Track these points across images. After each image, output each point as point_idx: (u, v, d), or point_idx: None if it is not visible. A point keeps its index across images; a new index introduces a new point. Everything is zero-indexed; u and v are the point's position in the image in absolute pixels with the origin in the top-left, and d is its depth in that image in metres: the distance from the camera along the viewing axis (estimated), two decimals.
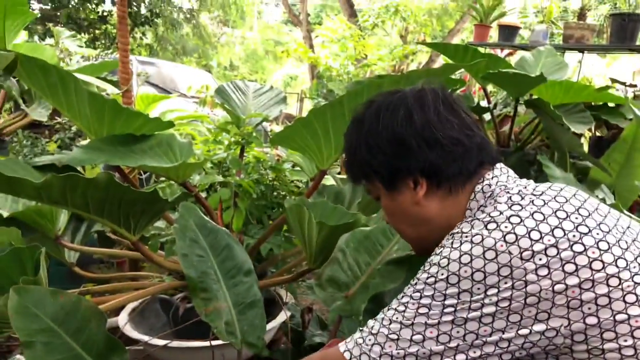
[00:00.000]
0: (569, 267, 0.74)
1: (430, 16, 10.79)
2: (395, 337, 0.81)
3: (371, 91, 1.45)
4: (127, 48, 2.03)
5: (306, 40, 10.96)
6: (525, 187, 0.87)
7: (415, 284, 0.83)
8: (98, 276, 1.96)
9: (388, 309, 0.85)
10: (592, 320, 0.75)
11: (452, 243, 0.82)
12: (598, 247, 0.76)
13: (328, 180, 2.26)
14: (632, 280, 0.75)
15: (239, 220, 1.87)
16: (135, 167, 1.72)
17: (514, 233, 0.77)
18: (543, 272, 0.75)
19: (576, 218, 0.79)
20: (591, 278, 0.74)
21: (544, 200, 0.82)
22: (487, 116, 2.65)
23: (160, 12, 9.75)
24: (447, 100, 0.93)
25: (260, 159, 2.09)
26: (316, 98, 5.74)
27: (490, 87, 2.86)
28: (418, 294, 0.81)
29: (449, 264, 0.79)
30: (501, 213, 0.81)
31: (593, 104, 2.47)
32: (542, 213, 0.79)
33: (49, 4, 8.82)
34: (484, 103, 2.65)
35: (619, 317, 0.74)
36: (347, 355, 0.86)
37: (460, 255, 0.78)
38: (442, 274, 0.79)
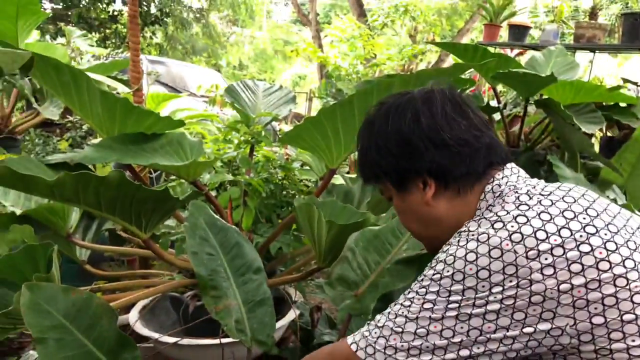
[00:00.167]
0: (575, 267, 0.75)
1: (440, 16, 10.75)
2: (400, 330, 0.82)
3: (381, 91, 1.45)
4: (138, 47, 2.04)
5: (315, 39, 10.96)
6: (534, 187, 0.87)
7: (422, 280, 0.84)
8: (109, 274, 1.97)
9: (395, 304, 0.87)
10: (598, 320, 0.74)
11: (458, 241, 0.83)
12: (605, 248, 0.76)
13: (337, 180, 2.27)
14: None
15: (248, 218, 1.88)
16: (146, 165, 1.73)
17: (520, 232, 0.77)
18: (548, 271, 0.75)
19: (584, 218, 0.79)
20: (598, 278, 0.74)
21: (551, 200, 0.82)
22: (496, 116, 2.64)
23: (170, 11, 9.79)
24: (456, 100, 0.93)
25: (269, 158, 2.10)
26: (325, 97, 5.73)
27: (500, 87, 2.85)
28: (424, 290, 0.82)
29: (454, 261, 0.80)
30: (508, 212, 0.81)
31: (604, 104, 2.45)
32: (549, 213, 0.79)
33: (61, 4, 8.88)
34: (493, 103, 2.64)
35: (626, 317, 0.74)
36: (353, 347, 0.87)
37: (466, 253, 0.79)
38: (448, 271, 0.80)
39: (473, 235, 0.81)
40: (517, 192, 0.86)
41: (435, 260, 0.85)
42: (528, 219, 0.79)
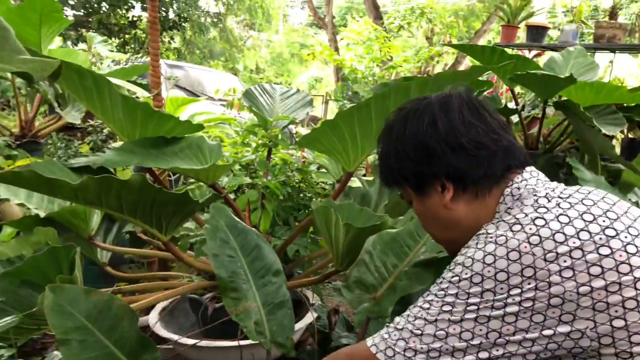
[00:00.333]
0: (595, 270, 0.75)
1: (457, 17, 10.67)
2: (419, 332, 0.83)
3: (398, 94, 1.45)
4: (157, 52, 2.07)
5: (332, 42, 10.97)
6: (553, 190, 0.87)
7: (440, 282, 0.85)
8: (129, 276, 2.00)
9: (414, 307, 0.87)
10: (619, 323, 0.74)
11: (476, 244, 0.83)
12: (626, 250, 0.75)
13: (354, 182, 2.27)
14: None
15: (266, 221, 1.89)
16: (166, 169, 1.76)
17: (538, 235, 0.77)
18: (567, 274, 0.75)
19: (603, 221, 0.79)
20: (618, 281, 0.74)
21: (570, 203, 0.82)
22: (514, 118, 2.62)
23: (188, 16, 9.91)
24: (473, 104, 0.94)
25: (287, 161, 2.11)
26: (341, 100, 5.74)
27: (518, 89, 2.82)
28: (442, 292, 0.83)
29: (473, 263, 0.80)
30: (526, 215, 0.82)
31: (625, 105, 2.41)
32: (567, 216, 0.79)
33: (82, 11, 9.04)
34: (511, 105, 2.62)
35: None
36: (373, 349, 0.88)
37: (484, 256, 0.80)
38: (466, 274, 0.80)
39: (491, 237, 0.81)
40: (535, 195, 0.86)
41: (453, 262, 0.85)
42: (546, 222, 0.79)
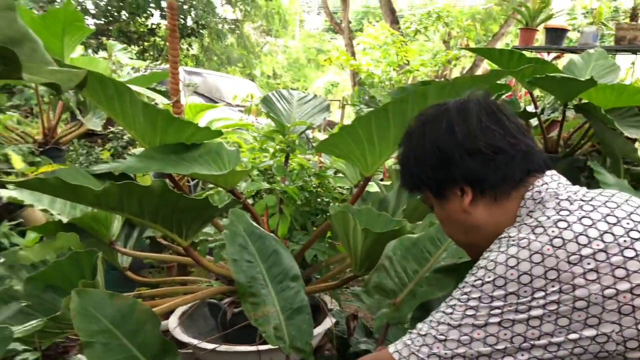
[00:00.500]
0: (620, 272, 0.74)
1: (474, 20, 10.61)
2: (443, 338, 0.82)
3: (416, 98, 1.45)
4: (177, 60, 2.10)
5: (348, 47, 10.98)
6: (575, 193, 0.87)
7: (463, 287, 0.84)
8: (149, 280, 2.03)
9: (436, 312, 0.87)
10: None
11: (499, 247, 0.83)
12: None
13: (372, 187, 2.27)
14: None
15: (284, 226, 1.90)
16: (186, 174, 1.78)
17: (561, 237, 0.77)
18: (592, 276, 0.74)
19: (627, 223, 0.78)
20: None
21: (593, 206, 0.82)
22: (534, 121, 2.59)
23: (205, 23, 10.01)
24: (491, 109, 0.95)
25: (304, 166, 2.12)
26: (358, 105, 5.74)
27: (536, 92, 2.79)
28: (465, 297, 0.82)
29: (495, 267, 0.80)
30: (549, 218, 0.81)
31: None
32: (590, 218, 0.79)
33: (102, 19, 9.20)
34: (530, 108, 2.59)
35: None
36: (396, 355, 0.87)
37: (507, 259, 0.79)
38: (489, 277, 0.80)
39: (513, 240, 0.81)
40: (557, 198, 0.86)
41: (476, 267, 0.85)
42: (569, 224, 0.79)
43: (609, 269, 0.74)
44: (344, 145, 1.64)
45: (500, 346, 0.78)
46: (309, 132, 2.41)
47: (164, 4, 8.77)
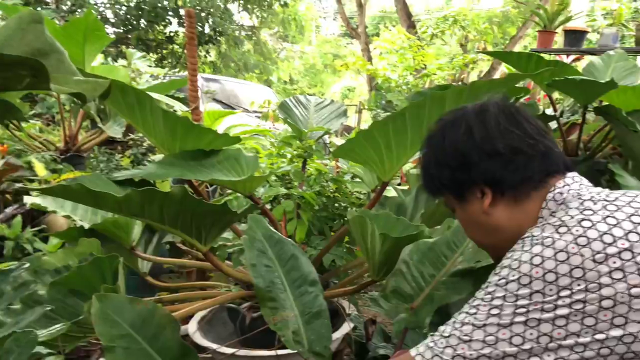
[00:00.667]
0: None
1: (491, 24, 10.55)
2: (467, 338, 0.82)
3: (433, 103, 1.45)
4: (195, 67, 2.12)
5: (365, 52, 11.00)
6: (599, 194, 0.87)
7: (487, 286, 0.84)
8: (169, 285, 2.05)
9: (459, 313, 0.86)
10: None
11: (522, 246, 0.83)
12: None
13: (389, 192, 2.27)
14: None
15: (302, 231, 1.91)
16: (205, 180, 1.80)
17: (586, 236, 0.77)
18: (618, 275, 0.74)
19: None
20: None
21: (617, 206, 0.81)
22: (553, 124, 2.56)
23: (223, 30, 10.10)
24: (509, 111, 0.95)
25: (321, 171, 2.13)
26: (375, 109, 5.75)
27: (555, 94, 2.76)
28: (489, 296, 0.82)
29: (520, 265, 0.80)
30: (572, 217, 0.81)
31: None
32: (615, 217, 0.79)
33: (121, 28, 9.35)
34: (549, 111, 2.57)
35: None
36: (418, 358, 0.87)
37: (532, 257, 0.79)
38: (514, 276, 0.80)
39: (537, 239, 0.81)
40: (580, 198, 0.86)
41: (499, 266, 0.84)
42: (593, 223, 0.78)
43: (635, 268, 0.74)
44: (361, 150, 1.64)
45: (526, 346, 0.78)
46: (325, 136, 2.43)
47: (182, 12, 8.90)
